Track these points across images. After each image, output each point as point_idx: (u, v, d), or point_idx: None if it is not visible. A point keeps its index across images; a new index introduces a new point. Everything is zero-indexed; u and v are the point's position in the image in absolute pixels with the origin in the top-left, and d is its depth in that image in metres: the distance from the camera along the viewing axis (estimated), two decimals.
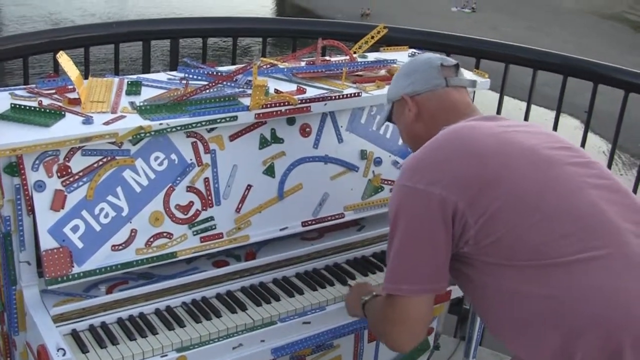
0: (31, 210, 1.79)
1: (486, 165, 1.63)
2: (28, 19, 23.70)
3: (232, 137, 2.05)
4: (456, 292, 2.20)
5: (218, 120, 1.96)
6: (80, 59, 2.95)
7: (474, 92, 2.45)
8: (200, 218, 2.02)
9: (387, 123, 2.27)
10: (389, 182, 2.33)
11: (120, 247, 1.90)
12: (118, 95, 2.05)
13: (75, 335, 1.84)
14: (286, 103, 2.05)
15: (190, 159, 1.99)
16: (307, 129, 2.17)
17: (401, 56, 2.59)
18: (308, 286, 2.12)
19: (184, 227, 2.00)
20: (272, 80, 2.26)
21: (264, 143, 2.10)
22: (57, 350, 1.68)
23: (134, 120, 1.88)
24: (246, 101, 2.03)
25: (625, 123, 3.09)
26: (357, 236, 2.34)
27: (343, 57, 2.49)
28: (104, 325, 1.88)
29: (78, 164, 1.83)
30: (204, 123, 1.94)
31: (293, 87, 2.20)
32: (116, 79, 2.18)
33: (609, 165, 3.22)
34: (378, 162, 2.32)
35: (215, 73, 2.22)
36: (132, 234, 1.92)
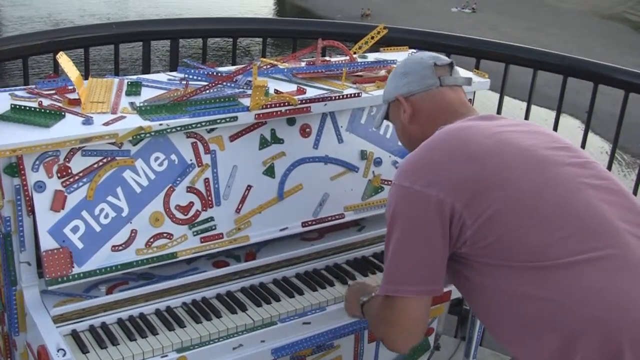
0: (31, 211, 1.79)
1: (483, 166, 1.63)
2: (27, 19, 23.72)
3: (232, 138, 2.05)
4: (456, 292, 2.20)
5: (218, 121, 1.96)
6: (80, 60, 2.95)
7: (474, 92, 2.46)
8: (200, 218, 2.02)
9: (386, 123, 2.27)
10: (389, 182, 2.33)
11: (121, 248, 1.90)
12: (118, 96, 2.05)
13: (75, 335, 1.84)
14: (286, 103, 2.05)
15: (190, 160, 1.99)
16: (307, 130, 2.17)
17: (401, 56, 2.58)
18: (308, 286, 2.12)
19: (184, 228, 2.00)
20: (272, 80, 2.26)
21: (264, 143, 2.10)
22: (58, 351, 1.68)
23: (134, 121, 1.88)
24: (246, 102, 2.03)
25: (626, 123, 3.09)
26: (357, 236, 2.34)
27: (343, 58, 2.49)
28: (104, 326, 1.88)
29: (78, 164, 1.83)
30: (204, 123, 1.94)
31: (293, 87, 2.20)
32: (116, 80, 2.19)
33: (610, 166, 3.22)
34: (378, 162, 2.32)
35: (215, 73, 2.22)
36: (132, 234, 1.92)
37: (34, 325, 1.80)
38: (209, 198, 2.03)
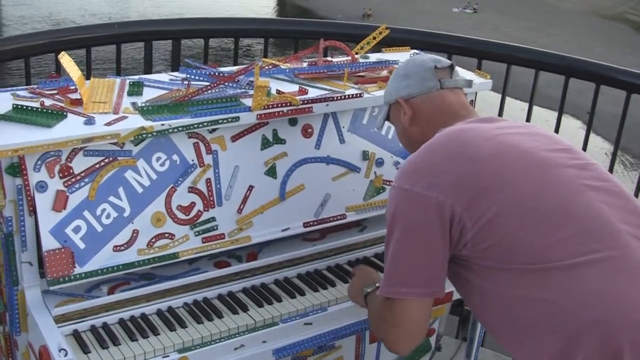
0: (33, 211, 1.79)
1: (484, 169, 1.63)
2: (28, 19, 23.73)
3: (234, 138, 2.04)
4: (458, 293, 2.20)
5: (220, 121, 1.96)
6: (82, 59, 2.95)
7: (476, 93, 2.46)
8: (202, 219, 2.01)
9: (388, 124, 2.27)
10: (391, 183, 2.32)
11: (122, 248, 1.90)
12: (120, 96, 2.05)
13: (76, 335, 1.84)
14: (288, 104, 2.05)
15: (192, 160, 1.99)
16: (309, 130, 2.17)
17: (403, 57, 2.58)
18: (310, 287, 2.12)
19: (185, 228, 1.99)
20: (274, 80, 2.26)
21: (265, 144, 2.10)
22: (59, 351, 1.68)
23: (136, 121, 1.88)
24: (248, 102, 2.03)
25: (628, 124, 3.09)
26: (359, 237, 2.34)
27: (345, 58, 2.49)
28: (105, 326, 1.88)
29: (80, 164, 1.83)
30: (205, 124, 1.94)
31: (295, 87, 2.20)
32: (118, 80, 2.19)
33: (612, 167, 3.22)
34: (380, 163, 2.32)
35: (217, 74, 2.22)
36: (134, 234, 1.92)
37: (35, 325, 1.80)
38: (211, 198, 2.03)
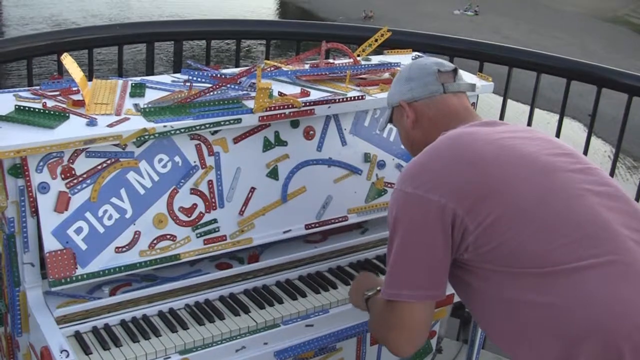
0: (35, 212, 1.79)
1: (485, 173, 1.63)
2: (29, 20, 23.74)
3: (236, 140, 2.05)
4: (459, 297, 2.20)
5: (222, 123, 1.96)
6: (84, 61, 2.95)
7: (478, 96, 2.46)
8: (203, 220, 2.02)
9: (390, 126, 2.27)
10: (392, 185, 2.33)
11: (124, 249, 1.90)
12: (122, 97, 2.05)
13: (78, 337, 1.84)
14: (290, 106, 2.05)
15: (194, 162, 1.99)
16: (311, 132, 2.17)
17: (405, 59, 2.59)
18: (311, 289, 2.12)
19: (187, 230, 2.00)
20: (276, 82, 2.26)
21: (267, 146, 2.10)
22: (61, 352, 1.68)
23: (138, 122, 1.88)
24: (250, 104, 2.03)
25: (629, 126, 3.09)
26: (361, 239, 2.34)
27: (347, 60, 2.49)
28: (107, 327, 1.88)
29: (82, 165, 1.83)
30: (208, 125, 1.94)
31: (297, 89, 2.20)
32: (120, 81, 2.19)
33: (613, 169, 3.22)
34: (381, 165, 2.32)
35: (219, 75, 2.22)
36: (136, 236, 1.92)
37: (37, 326, 1.80)
38: (213, 200, 2.03)
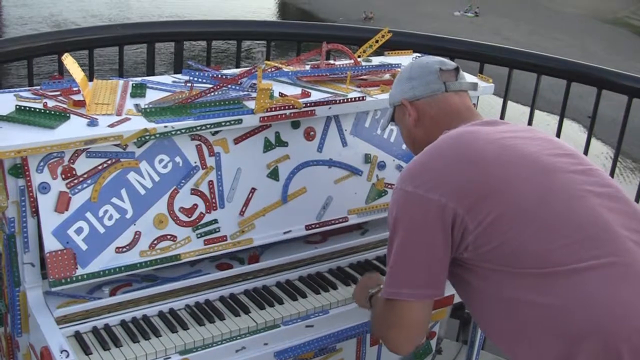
0: (35, 212, 1.79)
1: (486, 172, 1.63)
2: (28, 19, 23.74)
3: (237, 140, 2.05)
4: (458, 296, 2.20)
5: (223, 124, 1.96)
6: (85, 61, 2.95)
7: (478, 97, 2.46)
8: (204, 221, 2.02)
9: (390, 127, 2.27)
10: (393, 186, 2.33)
11: (124, 249, 1.90)
12: (123, 98, 2.05)
13: (78, 337, 1.84)
14: (291, 106, 2.05)
15: (195, 162, 1.99)
16: (312, 133, 2.17)
17: (405, 60, 2.59)
18: (311, 289, 2.12)
19: (187, 230, 2.00)
20: (276, 83, 2.26)
21: (268, 146, 2.10)
22: (61, 352, 1.68)
23: (139, 123, 1.88)
24: (251, 104, 2.03)
25: (628, 128, 3.09)
26: (361, 240, 2.34)
27: (347, 61, 2.49)
28: (107, 328, 1.88)
29: (83, 166, 1.83)
30: (208, 126, 1.94)
31: (298, 90, 2.20)
32: (121, 81, 2.19)
33: (613, 171, 3.22)
34: (382, 166, 2.32)
35: (220, 76, 2.22)
36: (136, 236, 1.92)
37: (37, 327, 1.80)
38: (213, 200, 2.03)
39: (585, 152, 3.14)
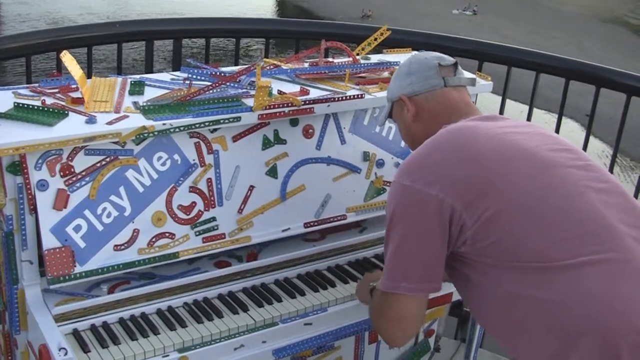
0: (34, 210, 1.79)
1: (485, 168, 1.63)
2: (26, 17, 23.69)
3: (235, 138, 2.04)
4: (457, 294, 2.20)
5: (221, 121, 1.96)
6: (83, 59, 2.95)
7: (477, 95, 2.46)
8: (202, 218, 2.01)
9: (389, 125, 2.27)
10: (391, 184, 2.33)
11: (123, 247, 1.90)
12: (121, 95, 2.05)
13: (76, 334, 1.84)
14: (289, 104, 2.05)
15: (193, 160, 1.99)
16: (310, 130, 2.17)
17: (404, 58, 2.58)
18: (310, 287, 2.12)
19: (186, 228, 1.99)
20: (275, 81, 2.26)
21: (266, 144, 2.10)
22: (59, 350, 1.68)
23: (137, 120, 1.88)
24: (249, 102, 2.03)
25: (626, 126, 3.09)
26: (359, 238, 2.34)
27: (346, 59, 2.49)
28: (105, 325, 1.88)
29: (81, 163, 1.83)
30: (207, 123, 1.94)
31: (296, 88, 2.20)
32: (119, 79, 2.18)
33: (611, 169, 3.22)
34: (380, 163, 2.32)
35: (218, 74, 2.21)
36: (135, 234, 1.91)
37: (35, 324, 1.80)
38: (212, 198, 2.03)
39: (584, 150, 3.14)
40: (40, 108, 1.86)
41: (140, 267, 1.93)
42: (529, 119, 3.25)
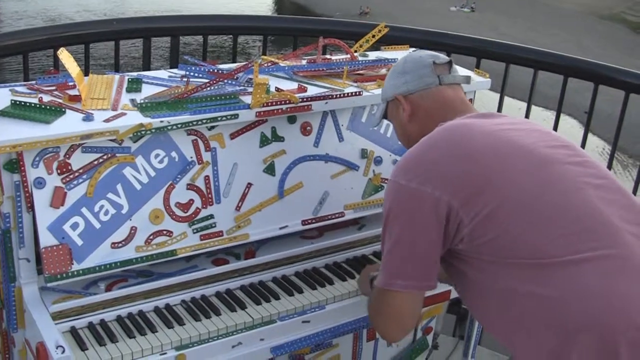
0: (31, 207, 1.79)
1: (481, 164, 1.63)
2: (22, 14, 23.66)
3: (233, 135, 2.04)
4: (455, 289, 2.20)
5: (219, 118, 1.96)
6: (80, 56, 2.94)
7: (474, 92, 2.46)
8: (200, 216, 2.01)
9: (387, 122, 2.27)
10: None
11: (120, 245, 1.90)
12: (119, 93, 2.04)
13: (74, 332, 1.83)
14: (287, 101, 2.05)
15: (191, 157, 1.98)
16: (308, 128, 2.17)
17: (402, 55, 2.57)
18: (307, 285, 2.12)
19: (184, 225, 1.99)
20: (273, 78, 2.26)
21: (264, 141, 2.09)
22: (56, 348, 1.67)
23: (135, 118, 1.87)
24: (247, 99, 2.03)
25: (624, 123, 3.09)
26: (357, 235, 2.33)
27: (344, 56, 2.48)
28: (103, 323, 1.88)
29: (78, 161, 1.83)
30: (204, 121, 1.94)
31: (294, 85, 2.20)
32: (117, 76, 2.18)
33: (609, 166, 3.22)
34: (378, 161, 2.32)
35: (216, 71, 2.21)
36: (132, 231, 1.91)
37: (32, 322, 1.79)
38: (209, 196, 2.02)
39: (582, 147, 3.14)
40: (38, 105, 1.85)
41: (137, 265, 1.93)
42: (527, 115, 3.24)
